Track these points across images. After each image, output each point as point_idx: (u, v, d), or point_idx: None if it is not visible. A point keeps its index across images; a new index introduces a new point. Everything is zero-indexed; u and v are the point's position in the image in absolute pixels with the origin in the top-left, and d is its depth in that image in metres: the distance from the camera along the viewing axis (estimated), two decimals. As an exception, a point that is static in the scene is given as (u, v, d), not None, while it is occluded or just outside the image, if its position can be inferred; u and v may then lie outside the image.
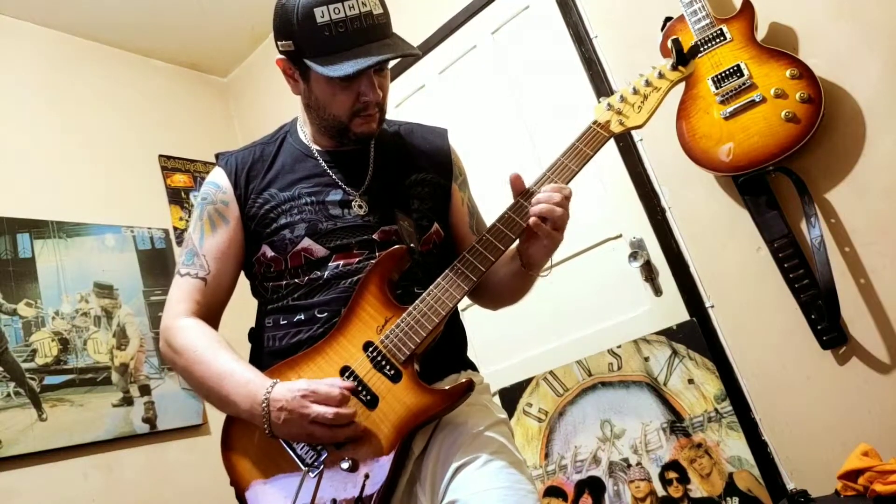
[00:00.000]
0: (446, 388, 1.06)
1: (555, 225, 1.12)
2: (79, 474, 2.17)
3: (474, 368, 1.30)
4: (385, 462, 1.03)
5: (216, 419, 2.58)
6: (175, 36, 3.10)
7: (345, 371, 1.09)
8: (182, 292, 1.21)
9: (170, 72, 3.25)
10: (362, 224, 1.20)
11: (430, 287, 1.10)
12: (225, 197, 1.24)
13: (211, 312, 1.23)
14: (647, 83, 1.23)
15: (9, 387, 2.11)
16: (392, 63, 1.18)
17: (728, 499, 1.85)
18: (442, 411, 1.05)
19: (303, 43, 1.12)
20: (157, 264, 2.71)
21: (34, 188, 2.49)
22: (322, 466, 1.05)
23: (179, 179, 3.01)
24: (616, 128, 1.20)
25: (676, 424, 1.96)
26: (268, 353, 1.20)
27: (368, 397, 1.07)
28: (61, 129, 2.67)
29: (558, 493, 2.12)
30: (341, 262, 1.18)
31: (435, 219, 1.27)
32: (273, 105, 3.10)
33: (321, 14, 1.09)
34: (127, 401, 2.37)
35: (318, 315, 1.16)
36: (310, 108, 1.24)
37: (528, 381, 2.26)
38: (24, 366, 2.17)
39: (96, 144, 2.76)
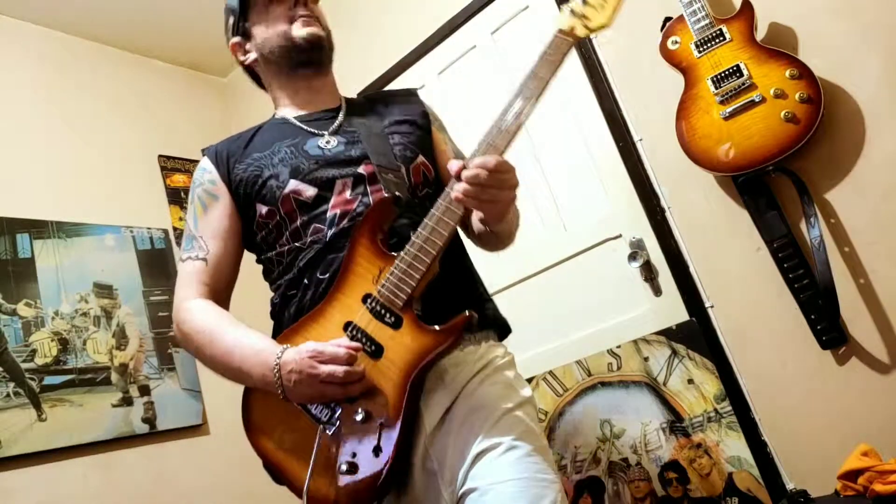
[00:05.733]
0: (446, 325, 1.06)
1: (490, 198, 1.07)
2: (79, 474, 2.17)
3: (500, 325, 1.29)
4: (396, 407, 1.04)
5: (215, 419, 2.59)
6: (175, 36, 3.10)
7: (348, 326, 1.10)
8: (187, 276, 1.23)
9: (170, 72, 3.25)
10: (343, 158, 1.23)
11: (419, 228, 1.10)
12: (211, 176, 1.28)
13: (218, 292, 1.24)
14: None
15: (8, 387, 2.11)
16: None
17: (728, 499, 1.85)
18: (446, 348, 1.05)
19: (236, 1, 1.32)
20: (156, 264, 2.71)
21: (34, 188, 2.49)
22: (338, 422, 1.06)
23: (179, 179, 3.01)
24: (581, 31, 1.16)
25: (676, 424, 1.96)
26: (286, 324, 1.21)
27: (373, 347, 1.08)
28: (61, 130, 2.67)
29: (558, 493, 2.12)
30: (338, 211, 1.19)
31: (419, 151, 1.28)
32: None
33: None
34: (126, 401, 2.37)
35: (321, 276, 1.18)
36: (264, 57, 1.33)
37: (528, 381, 2.25)
38: (24, 366, 2.17)
39: (96, 144, 2.76)
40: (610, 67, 2.19)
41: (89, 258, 2.50)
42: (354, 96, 1.40)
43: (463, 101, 2.59)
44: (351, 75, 2.89)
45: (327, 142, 1.26)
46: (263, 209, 1.22)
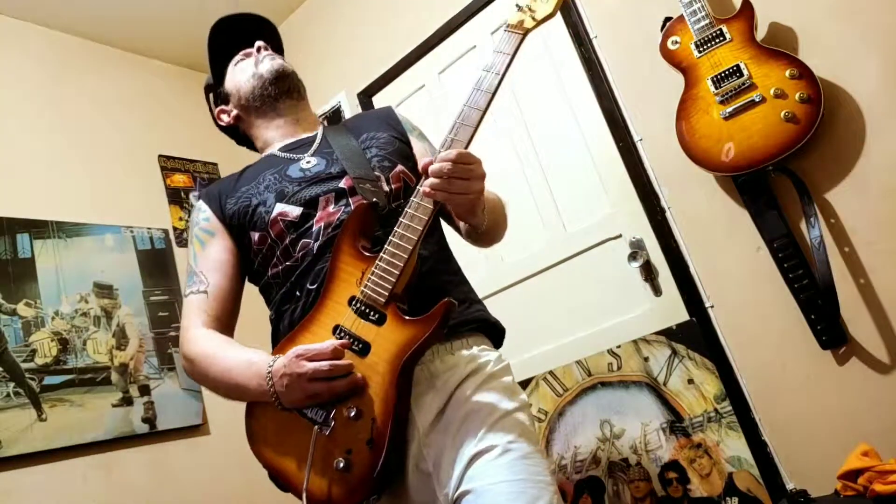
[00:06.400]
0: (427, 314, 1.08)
1: (458, 189, 1.10)
2: (79, 474, 2.17)
3: (490, 327, 1.28)
4: (386, 400, 1.06)
5: (216, 419, 2.59)
6: (175, 36, 3.10)
7: (336, 329, 1.13)
8: (190, 309, 1.29)
9: (170, 72, 3.24)
10: (325, 176, 1.28)
11: (395, 228, 1.12)
12: (206, 215, 1.34)
13: (221, 321, 1.29)
14: None
15: (8, 387, 2.11)
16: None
17: (728, 499, 1.85)
18: (429, 336, 1.07)
19: (212, 71, 1.49)
20: (156, 264, 2.70)
21: (34, 188, 2.48)
22: (333, 422, 1.08)
23: (179, 179, 3.01)
24: (529, 24, 1.21)
25: (676, 424, 1.96)
26: (282, 337, 1.23)
27: (360, 346, 1.10)
28: (61, 129, 2.67)
29: (558, 493, 2.12)
30: (323, 224, 1.23)
31: (397, 160, 1.32)
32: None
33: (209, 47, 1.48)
34: (126, 401, 2.37)
35: (310, 287, 1.21)
36: (241, 105, 1.43)
37: (528, 381, 2.26)
38: (24, 366, 2.17)
39: (96, 144, 2.76)
40: (610, 67, 2.19)
41: (89, 258, 2.50)
42: (340, 113, 1.48)
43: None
44: (352, 75, 2.89)
45: (308, 162, 1.32)
46: (256, 235, 1.28)
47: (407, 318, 1.09)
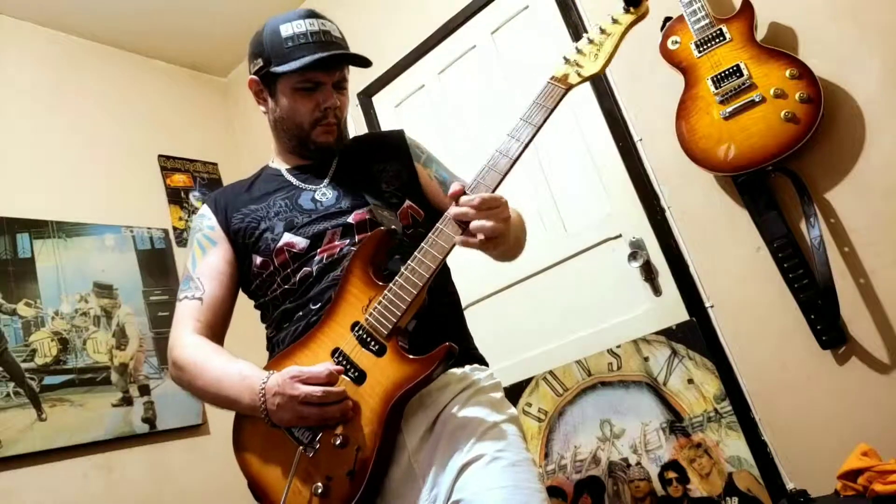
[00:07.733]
0: (426, 355, 1.07)
1: (484, 233, 1.06)
2: (79, 474, 2.17)
3: (483, 362, 1.30)
4: (373, 434, 1.06)
5: (215, 419, 2.59)
6: (175, 36, 3.10)
7: (335, 352, 1.12)
8: (182, 315, 1.28)
9: (170, 72, 3.24)
10: (335, 211, 1.27)
11: (408, 261, 1.11)
12: (210, 222, 1.33)
13: (213, 330, 1.28)
14: (602, 31, 1.23)
15: (8, 387, 2.11)
16: (361, 80, 1.24)
17: (728, 499, 1.85)
18: (424, 379, 1.06)
19: (270, 54, 1.27)
20: (156, 264, 2.70)
21: (34, 188, 2.48)
22: (318, 446, 1.08)
23: (179, 179, 3.01)
24: (574, 79, 1.20)
25: (676, 424, 1.96)
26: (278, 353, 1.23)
27: (356, 374, 1.10)
28: (61, 129, 2.67)
29: (558, 493, 2.12)
30: (325, 255, 1.24)
31: (406, 196, 1.32)
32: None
33: (286, 30, 1.26)
34: (126, 401, 2.37)
35: (312, 307, 1.22)
36: (277, 125, 1.35)
37: (528, 380, 2.26)
38: (24, 366, 2.17)
39: (96, 144, 2.76)
40: (610, 67, 2.18)
41: (89, 258, 2.50)
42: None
43: (463, 100, 2.59)
44: (352, 75, 2.88)
45: (323, 193, 1.31)
46: (258, 259, 1.28)
47: (406, 355, 1.08)
